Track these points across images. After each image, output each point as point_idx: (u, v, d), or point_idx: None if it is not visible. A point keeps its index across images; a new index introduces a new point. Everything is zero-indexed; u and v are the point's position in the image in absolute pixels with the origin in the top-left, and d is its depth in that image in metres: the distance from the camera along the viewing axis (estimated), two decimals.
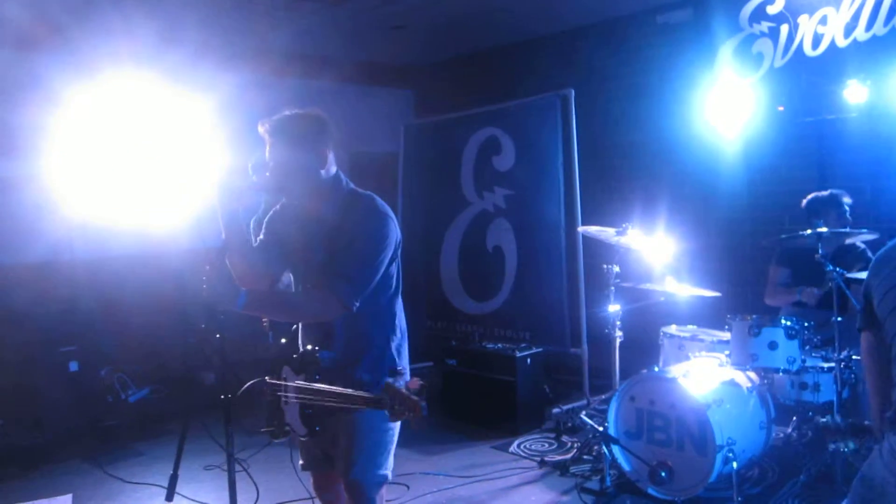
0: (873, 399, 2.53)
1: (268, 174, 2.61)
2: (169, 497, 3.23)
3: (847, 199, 4.49)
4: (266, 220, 2.81)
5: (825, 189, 4.58)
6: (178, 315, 6.50)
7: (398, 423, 2.67)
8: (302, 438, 2.67)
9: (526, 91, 6.49)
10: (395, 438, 2.74)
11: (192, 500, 4.31)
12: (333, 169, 2.69)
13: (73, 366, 5.56)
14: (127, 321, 6.27)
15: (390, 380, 2.28)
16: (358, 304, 2.55)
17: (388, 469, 2.71)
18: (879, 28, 4.79)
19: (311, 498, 3.19)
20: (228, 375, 2.71)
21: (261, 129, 2.61)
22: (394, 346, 2.74)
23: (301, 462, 2.93)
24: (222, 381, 2.71)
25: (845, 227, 4.34)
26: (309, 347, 2.65)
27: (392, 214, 2.68)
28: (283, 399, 2.67)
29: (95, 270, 6.14)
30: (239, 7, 5.66)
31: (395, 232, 2.67)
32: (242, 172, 2.67)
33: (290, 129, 2.59)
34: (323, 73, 7.51)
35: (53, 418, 5.32)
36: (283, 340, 2.83)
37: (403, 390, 2.18)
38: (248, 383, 2.89)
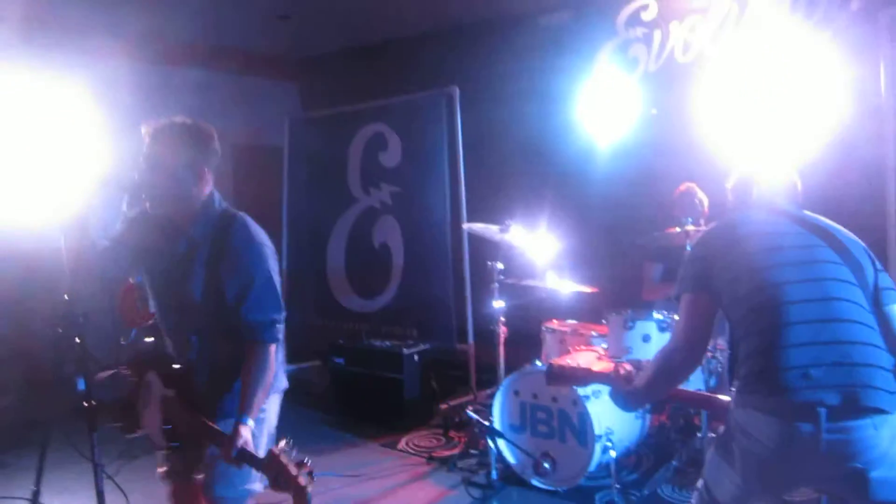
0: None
1: (137, 176, 2.49)
2: None
3: (699, 193, 4.74)
4: (129, 220, 2.67)
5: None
6: (46, 317, 6.16)
7: (267, 433, 2.64)
8: (158, 450, 2.59)
9: (412, 88, 6.50)
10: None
11: None
12: (208, 189, 2.59)
13: None
14: None
15: (276, 449, 2.18)
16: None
17: (256, 481, 2.56)
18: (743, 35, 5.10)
19: None
20: (92, 380, 2.59)
21: (144, 131, 2.50)
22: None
23: (160, 470, 2.77)
24: (86, 386, 2.58)
25: (701, 221, 4.60)
26: (178, 367, 2.56)
27: (264, 234, 2.60)
28: (143, 401, 2.58)
29: None
30: None
31: (272, 254, 2.59)
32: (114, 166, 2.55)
33: (174, 139, 2.48)
34: (207, 63, 7.25)
35: None
36: (148, 340, 2.71)
37: (292, 469, 2.11)
38: (104, 374, 2.76)
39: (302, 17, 6.48)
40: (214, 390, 2.54)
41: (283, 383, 2.76)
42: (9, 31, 5.68)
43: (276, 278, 2.56)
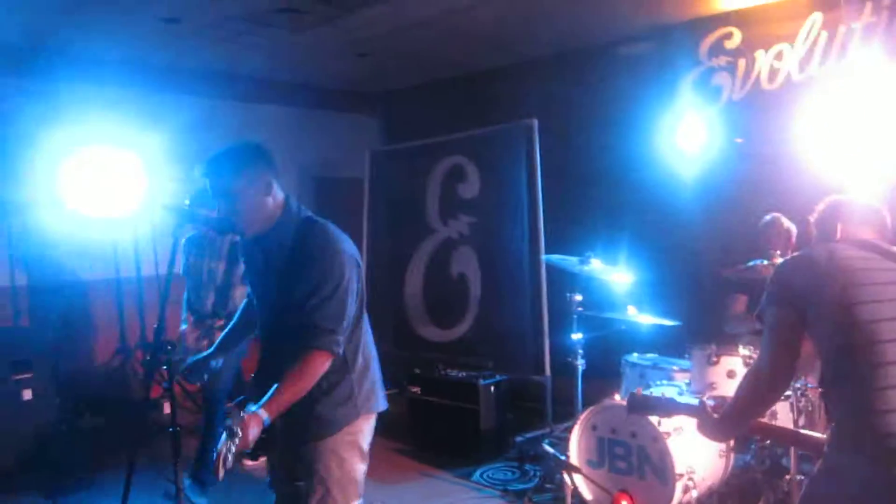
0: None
1: (215, 214, 2.58)
2: None
3: (785, 223, 4.57)
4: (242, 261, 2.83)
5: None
6: (135, 342, 6.43)
7: (359, 452, 2.64)
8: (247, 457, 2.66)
9: (491, 120, 6.54)
10: (362, 469, 2.67)
11: None
12: (281, 195, 2.62)
13: (27, 394, 5.41)
14: (84, 347, 6.17)
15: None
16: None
17: (357, 497, 2.62)
18: (832, 64, 4.95)
19: None
20: (180, 406, 2.68)
21: (198, 172, 2.59)
22: (356, 374, 2.67)
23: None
24: (173, 411, 2.67)
25: (788, 252, 4.43)
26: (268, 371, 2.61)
27: (346, 242, 2.61)
28: None
29: (49, 295, 6.04)
30: (202, 30, 5.65)
31: (350, 262, 2.57)
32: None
33: (225, 165, 2.55)
34: (289, 99, 7.54)
35: (4, 449, 5.15)
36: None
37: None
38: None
39: (380, 55, 6.64)
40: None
41: (381, 405, 2.74)
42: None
43: (353, 287, 2.54)
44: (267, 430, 2.36)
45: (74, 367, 6.19)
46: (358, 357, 2.68)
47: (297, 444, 2.60)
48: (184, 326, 4.71)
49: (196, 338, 4.55)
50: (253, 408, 2.32)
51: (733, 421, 2.29)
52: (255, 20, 5.47)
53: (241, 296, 4.42)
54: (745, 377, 2.30)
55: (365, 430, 2.68)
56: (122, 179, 5.93)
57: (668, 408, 2.50)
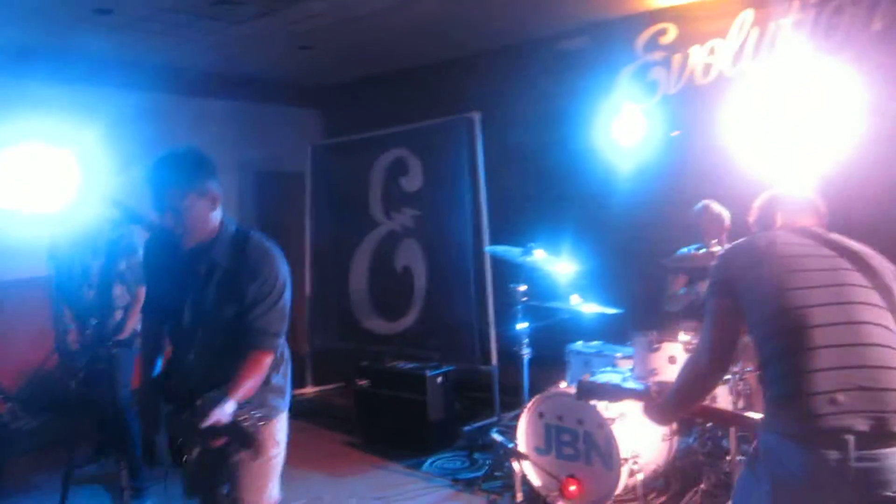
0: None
1: (165, 218, 2.56)
2: None
3: (716, 209, 4.69)
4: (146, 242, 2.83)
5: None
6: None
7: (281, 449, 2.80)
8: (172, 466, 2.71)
9: (433, 113, 6.57)
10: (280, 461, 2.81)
11: None
12: (220, 212, 2.67)
13: None
14: (16, 346, 5.96)
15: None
16: None
17: (277, 488, 2.79)
18: (763, 59, 5.14)
19: None
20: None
21: (140, 175, 2.57)
22: (281, 372, 2.83)
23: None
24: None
25: (724, 236, 4.59)
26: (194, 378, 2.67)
27: (279, 252, 2.73)
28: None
29: None
30: (139, 22, 5.50)
31: (286, 270, 2.73)
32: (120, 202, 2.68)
33: (176, 179, 2.55)
34: (231, 93, 7.41)
35: None
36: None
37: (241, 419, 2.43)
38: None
39: (323, 48, 6.59)
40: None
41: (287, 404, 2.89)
42: None
43: (288, 295, 2.70)
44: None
45: (8, 368, 5.98)
46: (285, 353, 2.87)
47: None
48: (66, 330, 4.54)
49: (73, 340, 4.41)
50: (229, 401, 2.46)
51: (676, 405, 2.38)
52: (193, 12, 5.35)
53: (120, 295, 4.35)
54: (686, 363, 2.38)
55: (284, 429, 2.86)
56: (54, 176, 5.72)
57: (615, 393, 2.57)
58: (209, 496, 2.76)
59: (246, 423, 2.43)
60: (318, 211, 7.46)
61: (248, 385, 2.55)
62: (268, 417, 2.69)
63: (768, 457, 2.13)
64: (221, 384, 2.50)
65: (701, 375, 2.30)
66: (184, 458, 2.59)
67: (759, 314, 2.21)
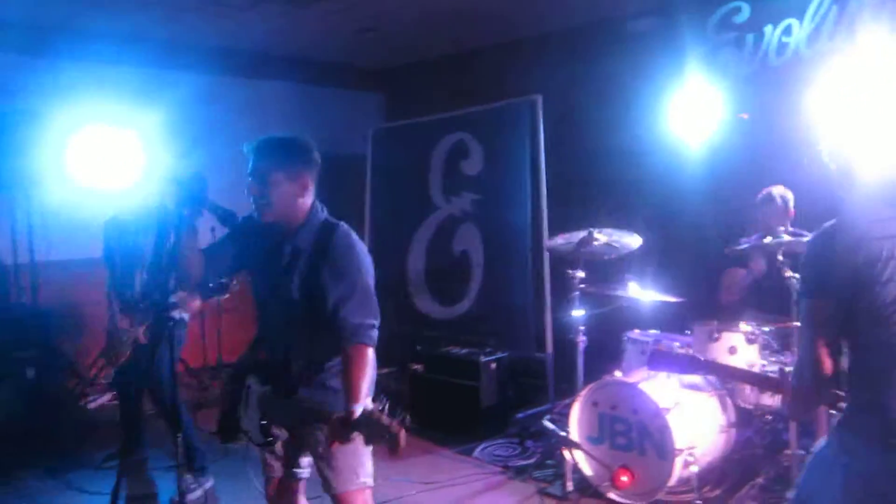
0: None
1: (248, 191, 2.65)
2: None
3: (778, 195, 4.50)
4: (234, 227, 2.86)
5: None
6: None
7: None
8: (258, 446, 2.72)
9: (495, 96, 6.48)
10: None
11: None
12: (311, 199, 2.73)
13: (30, 372, 5.40)
14: (89, 324, 6.15)
15: (370, 408, 2.31)
16: None
17: (368, 475, 2.73)
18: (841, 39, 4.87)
19: None
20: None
21: (246, 148, 2.67)
22: None
23: (264, 470, 2.93)
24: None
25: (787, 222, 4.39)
26: (277, 359, 2.70)
27: (363, 245, 2.74)
28: (244, 406, 2.73)
29: (54, 273, 6.02)
30: (205, 6, 5.59)
31: (370, 260, 2.74)
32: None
33: (274, 154, 2.66)
34: (291, 75, 7.48)
35: (9, 427, 5.13)
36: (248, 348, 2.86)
37: (385, 420, 2.22)
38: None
39: (386, 30, 6.57)
40: (303, 383, 2.68)
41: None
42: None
43: (371, 283, 2.69)
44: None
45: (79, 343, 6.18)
46: None
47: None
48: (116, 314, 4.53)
49: (130, 323, 4.37)
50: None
51: (794, 409, 2.38)
52: None
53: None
54: (792, 374, 2.28)
55: None
56: (121, 156, 5.88)
57: (689, 364, 2.50)
58: (288, 471, 2.84)
59: (380, 418, 2.27)
60: (377, 194, 7.46)
61: (364, 383, 2.51)
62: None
63: (846, 454, 2.07)
64: (301, 362, 2.62)
65: (806, 386, 2.17)
66: (270, 439, 2.64)
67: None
